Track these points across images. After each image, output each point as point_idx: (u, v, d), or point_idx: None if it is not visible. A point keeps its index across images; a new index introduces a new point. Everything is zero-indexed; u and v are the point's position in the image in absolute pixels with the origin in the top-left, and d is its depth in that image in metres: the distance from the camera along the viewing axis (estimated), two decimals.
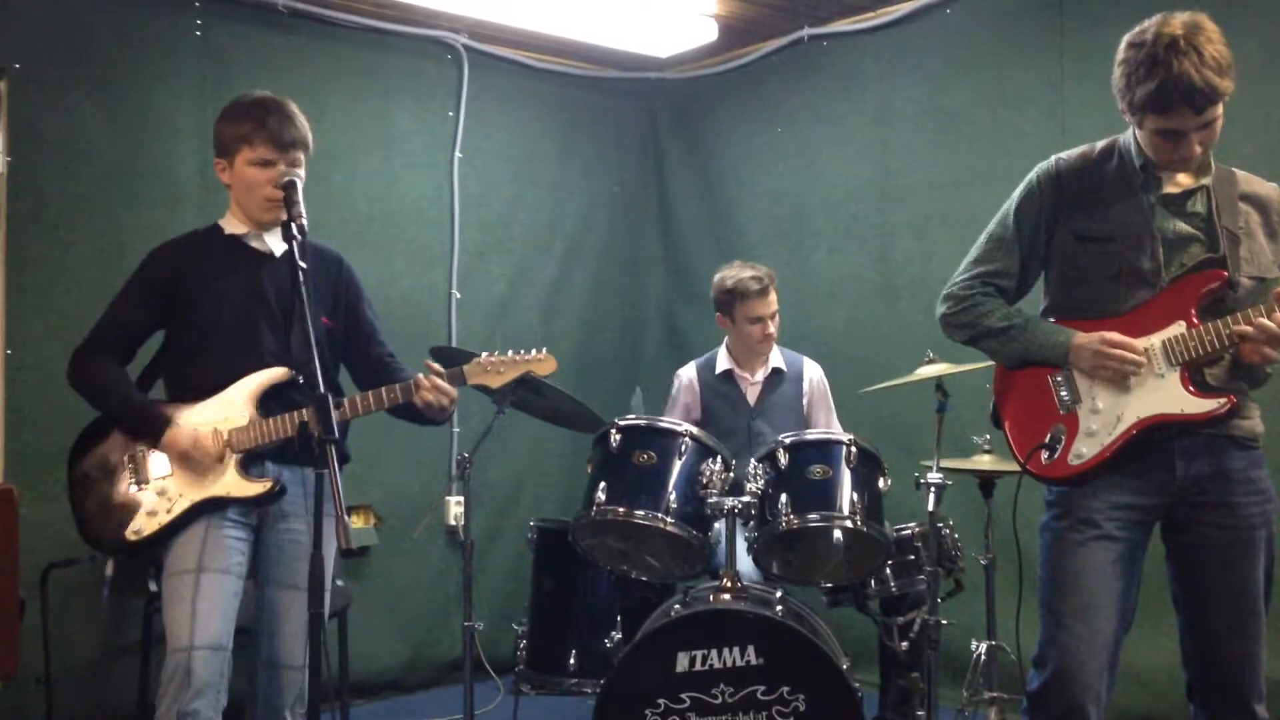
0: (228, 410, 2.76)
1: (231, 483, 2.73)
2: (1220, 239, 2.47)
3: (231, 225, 2.89)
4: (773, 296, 3.93)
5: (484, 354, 2.91)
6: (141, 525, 2.73)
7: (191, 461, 2.72)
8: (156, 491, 2.75)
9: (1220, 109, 2.39)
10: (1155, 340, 2.48)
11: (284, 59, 4.53)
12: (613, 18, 4.82)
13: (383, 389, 2.80)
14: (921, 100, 4.70)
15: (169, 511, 2.72)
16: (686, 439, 3.26)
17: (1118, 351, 2.46)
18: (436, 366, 2.84)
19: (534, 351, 2.92)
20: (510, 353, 2.90)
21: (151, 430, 2.75)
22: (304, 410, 2.67)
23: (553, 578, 3.65)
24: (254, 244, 2.87)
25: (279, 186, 2.69)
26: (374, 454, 4.35)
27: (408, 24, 4.85)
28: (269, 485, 2.74)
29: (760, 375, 4.01)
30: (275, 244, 2.87)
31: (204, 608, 2.62)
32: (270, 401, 2.77)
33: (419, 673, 4.81)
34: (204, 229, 2.93)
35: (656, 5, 4.70)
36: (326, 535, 2.31)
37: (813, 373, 4.07)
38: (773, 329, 3.93)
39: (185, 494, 2.73)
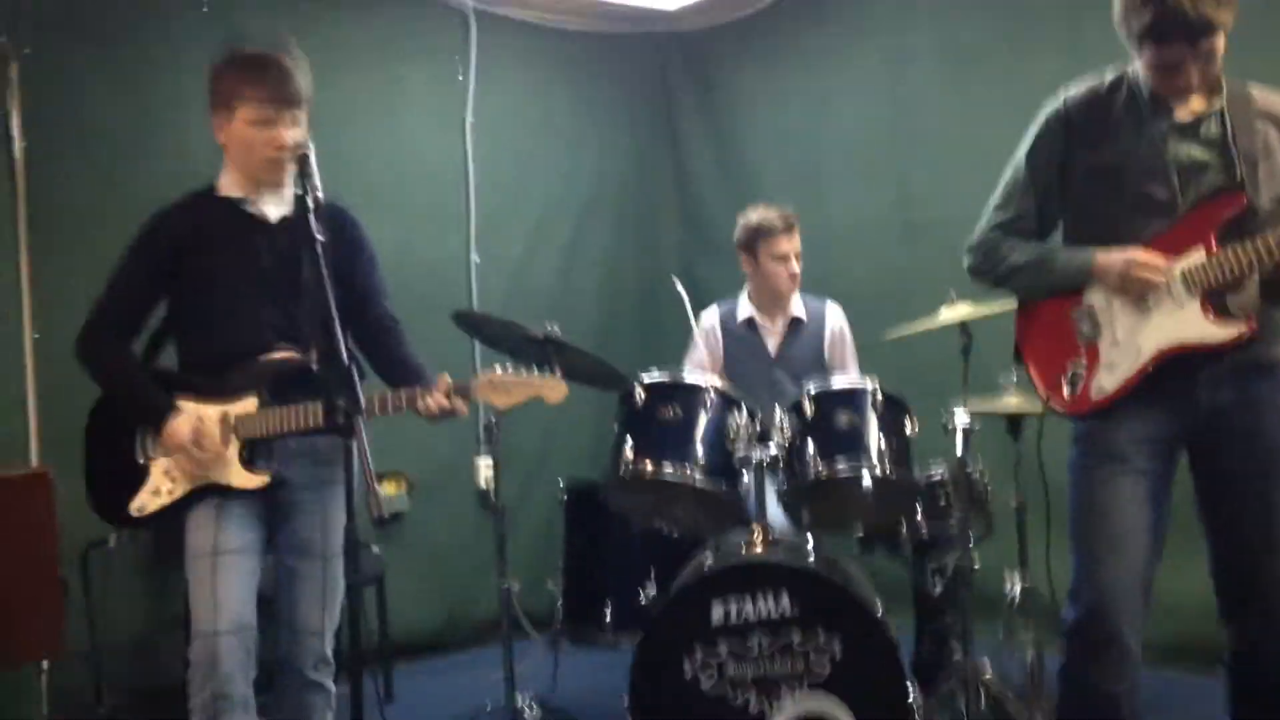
0: (239, 392, 2.69)
1: (233, 472, 2.69)
2: (1237, 163, 2.44)
3: (228, 187, 2.76)
4: (797, 236, 3.94)
5: (496, 367, 2.78)
6: (145, 502, 2.72)
7: (197, 446, 2.66)
8: (163, 470, 2.73)
9: (1219, 39, 2.36)
10: (1175, 269, 2.46)
11: (291, 28, 4.41)
12: None
13: (389, 395, 2.70)
14: (935, 38, 4.65)
15: (170, 493, 2.71)
16: (711, 393, 3.25)
17: (1144, 273, 2.45)
18: (445, 381, 2.70)
19: (548, 375, 2.80)
20: (523, 372, 2.77)
21: (151, 416, 2.70)
22: (337, 403, 2.46)
23: (584, 535, 3.67)
24: (249, 209, 2.75)
25: (293, 157, 2.58)
26: (402, 419, 4.36)
27: None
28: (265, 479, 2.69)
29: (781, 324, 4.01)
30: (272, 209, 2.76)
31: (223, 592, 2.61)
32: (284, 386, 2.69)
33: (459, 633, 4.88)
34: (200, 190, 2.79)
35: None
36: (339, 503, 2.28)
37: (835, 318, 4.06)
38: (797, 269, 3.94)
39: (185, 478, 2.70)
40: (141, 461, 2.75)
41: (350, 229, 2.86)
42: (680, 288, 3.89)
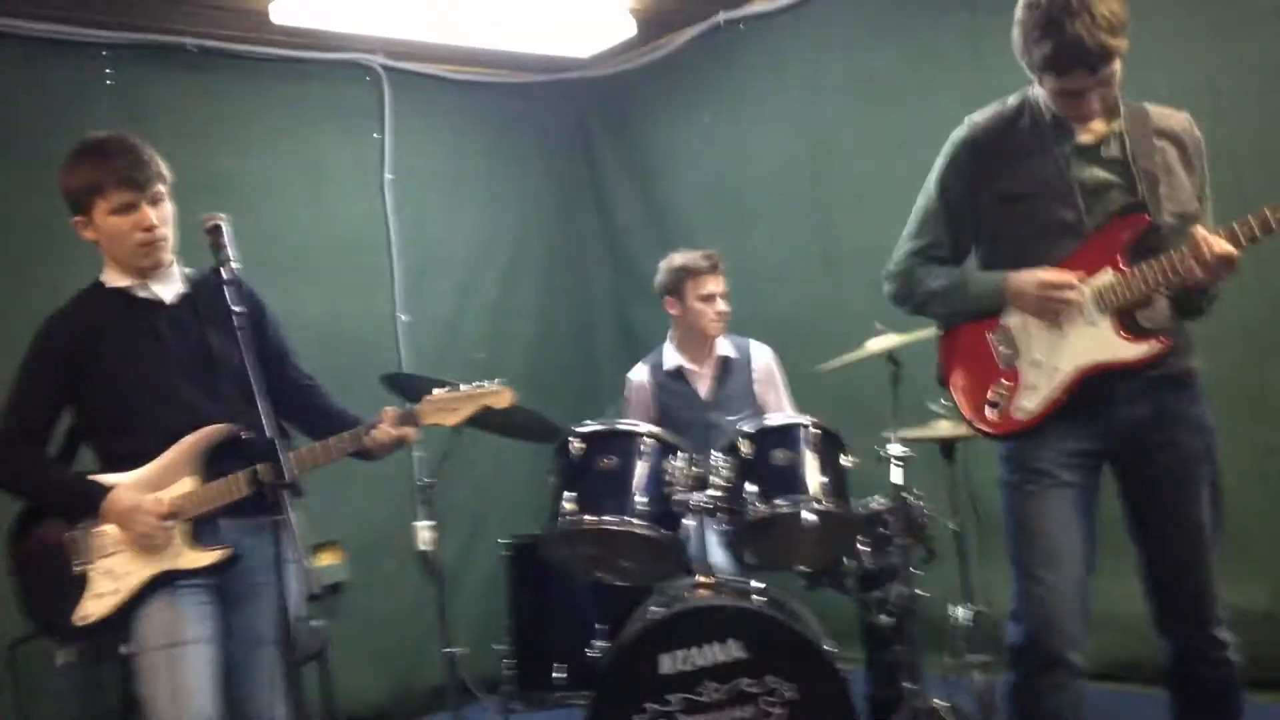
0: (168, 476, 2.58)
1: (181, 554, 2.57)
2: (1138, 181, 2.49)
3: (113, 279, 2.68)
4: (722, 277, 3.96)
5: (435, 390, 2.75)
6: (89, 610, 2.56)
7: (135, 528, 2.53)
8: (103, 571, 2.58)
9: (1117, 64, 2.41)
10: (1085, 289, 2.50)
11: (199, 98, 4.46)
12: (530, 22, 4.78)
13: (331, 441, 2.64)
14: (845, 72, 4.72)
15: (117, 593, 2.56)
16: (647, 439, 3.24)
17: (1057, 294, 2.49)
18: (391, 412, 2.69)
19: (488, 383, 2.77)
20: (464, 387, 2.75)
21: (87, 502, 2.56)
22: (248, 470, 2.50)
23: (529, 593, 3.63)
24: (142, 294, 2.67)
25: (207, 230, 2.50)
26: (337, 488, 4.30)
27: (322, 50, 4.80)
28: (224, 554, 2.58)
29: (709, 368, 4.01)
30: (163, 290, 2.68)
31: (184, 683, 2.50)
32: (219, 461, 2.59)
33: (407, 703, 4.77)
34: (87, 289, 2.71)
35: (573, 6, 4.67)
36: (288, 583, 2.24)
37: (761, 355, 4.08)
38: (725, 308, 3.95)
39: (133, 571, 2.56)
40: (78, 569, 2.59)
41: (250, 294, 2.73)
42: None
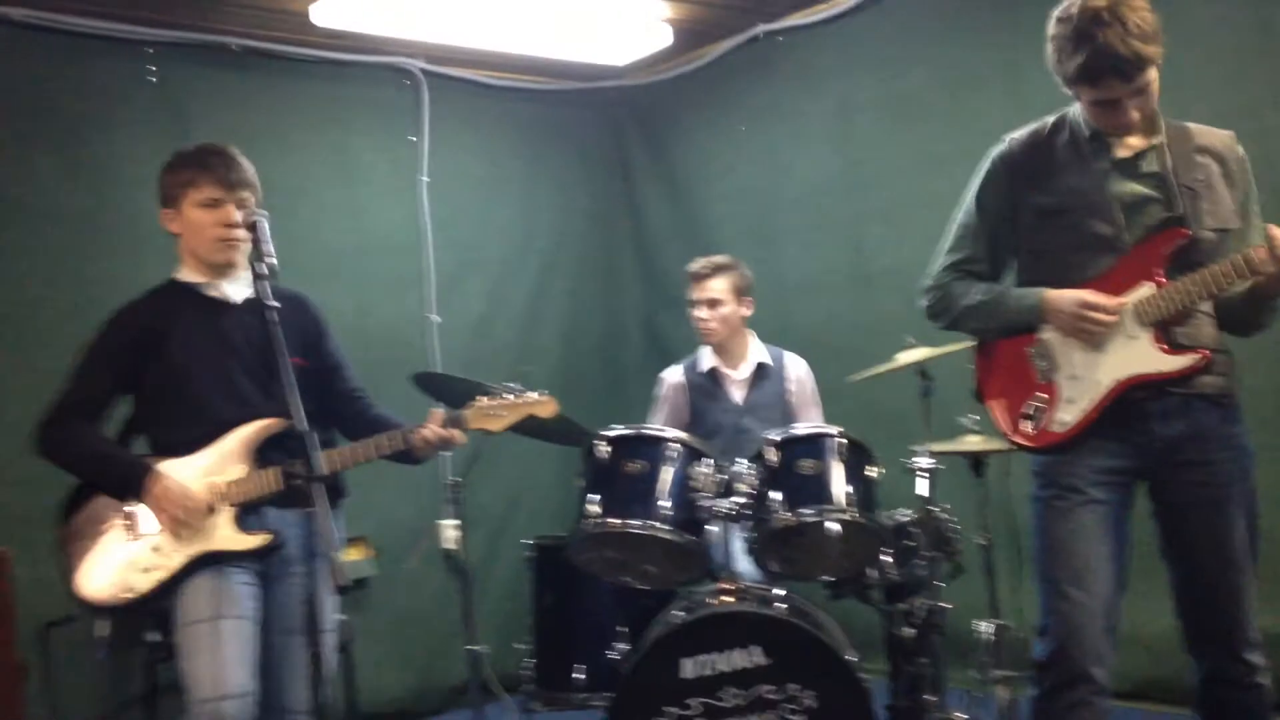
0: (222, 463, 2.71)
1: (227, 536, 2.67)
2: (1177, 196, 2.49)
3: (186, 276, 2.83)
4: (714, 284, 3.95)
5: (482, 398, 2.86)
6: (136, 582, 2.66)
7: (180, 515, 2.64)
8: (151, 547, 2.68)
9: (1153, 73, 2.41)
10: (1126, 303, 2.50)
11: (241, 98, 4.52)
12: (567, 30, 4.82)
13: (382, 437, 2.76)
14: (880, 88, 4.72)
15: (162, 569, 2.65)
16: (675, 444, 3.25)
17: (1095, 315, 2.49)
18: (439, 414, 2.80)
19: (534, 394, 2.88)
20: (511, 395, 2.86)
21: (135, 482, 2.67)
22: (292, 462, 2.55)
23: (553, 594, 3.63)
24: (211, 293, 2.81)
25: (244, 225, 2.64)
26: (366, 484, 4.30)
27: (362, 53, 4.85)
28: (265, 539, 2.68)
29: (745, 372, 4.02)
30: (233, 291, 2.82)
31: (228, 655, 2.57)
32: (269, 451, 2.72)
33: (428, 699, 4.80)
34: (160, 285, 2.86)
35: (610, 14, 4.70)
36: (323, 576, 2.29)
37: (797, 369, 4.08)
38: (709, 317, 3.95)
39: (180, 549, 2.66)
40: (125, 545, 2.69)
41: (313, 308, 2.96)
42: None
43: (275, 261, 2.56)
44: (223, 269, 2.80)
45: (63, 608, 3.64)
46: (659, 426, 3.47)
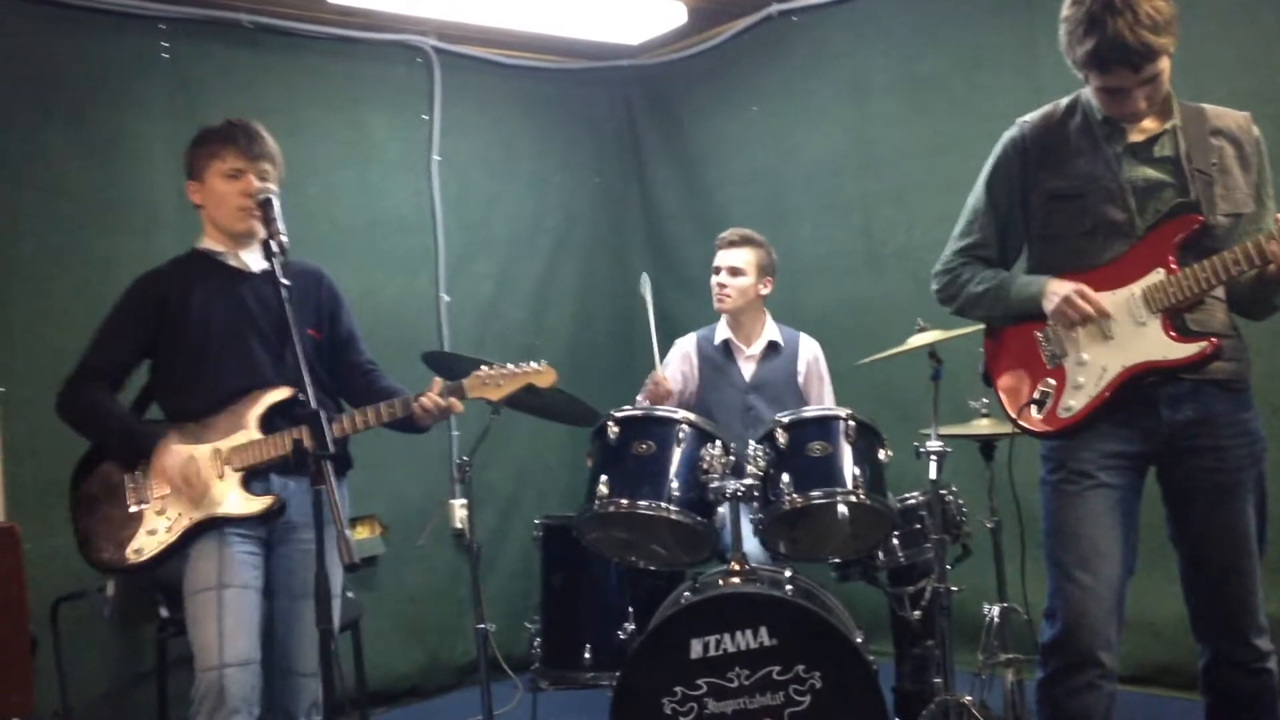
0: (232, 428, 2.77)
1: (232, 501, 2.73)
2: (1191, 181, 2.47)
3: (208, 244, 2.90)
4: (741, 253, 3.96)
5: (483, 367, 2.91)
6: (142, 544, 2.74)
7: (186, 480, 2.71)
8: (157, 511, 2.76)
9: (1163, 63, 2.39)
10: (1136, 289, 2.49)
11: (253, 75, 4.51)
12: (580, 8, 4.80)
13: (382, 405, 2.81)
14: (893, 69, 4.70)
15: (170, 531, 2.73)
16: (684, 425, 3.26)
17: (1079, 303, 2.49)
18: (439, 383, 2.85)
19: (533, 364, 2.93)
20: (510, 365, 2.92)
21: (143, 449, 2.75)
22: (299, 429, 2.65)
23: (561, 573, 3.65)
24: (231, 262, 2.88)
25: (256, 203, 2.71)
26: (375, 462, 4.32)
27: (374, 30, 4.83)
28: (269, 503, 2.74)
29: (757, 348, 4.02)
30: (253, 260, 2.88)
31: (230, 624, 2.64)
32: (276, 419, 2.78)
33: (436, 676, 4.83)
34: (183, 255, 2.94)
35: None
36: (330, 548, 2.31)
37: (809, 350, 4.07)
38: (727, 283, 3.95)
39: (185, 513, 2.73)
40: (133, 510, 2.77)
41: (329, 282, 3.02)
42: (647, 291, 3.92)
43: (286, 239, 2.63)
44: (243, 238, 2.86)
45: (72, 583, 3.70)
46: (669, 408, 3.46)
